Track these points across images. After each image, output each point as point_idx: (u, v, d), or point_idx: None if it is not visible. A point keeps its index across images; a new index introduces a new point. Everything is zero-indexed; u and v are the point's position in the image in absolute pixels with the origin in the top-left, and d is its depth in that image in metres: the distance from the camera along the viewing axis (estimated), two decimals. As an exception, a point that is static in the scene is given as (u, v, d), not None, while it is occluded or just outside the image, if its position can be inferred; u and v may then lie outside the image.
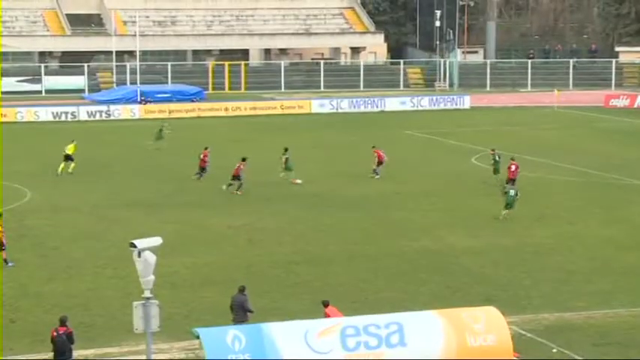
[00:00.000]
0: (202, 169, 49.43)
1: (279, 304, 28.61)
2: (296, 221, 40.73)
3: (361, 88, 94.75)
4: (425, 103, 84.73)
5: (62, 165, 51.14)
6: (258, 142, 62.78)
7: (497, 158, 48.84)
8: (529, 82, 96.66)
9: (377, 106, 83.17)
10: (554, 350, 25.91)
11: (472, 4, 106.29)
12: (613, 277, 32.74)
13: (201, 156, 49.70)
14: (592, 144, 62.67)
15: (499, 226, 40.16)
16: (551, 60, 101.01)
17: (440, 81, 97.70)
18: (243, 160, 46.41)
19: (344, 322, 23.32)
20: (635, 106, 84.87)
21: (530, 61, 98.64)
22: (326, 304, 25.57)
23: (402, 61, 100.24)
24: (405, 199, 45.63)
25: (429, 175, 51.51)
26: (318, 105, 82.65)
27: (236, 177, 46.06)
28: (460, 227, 39.93)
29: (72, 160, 51.09)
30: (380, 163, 50.54)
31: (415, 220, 41.30)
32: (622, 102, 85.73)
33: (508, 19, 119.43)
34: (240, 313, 25.71)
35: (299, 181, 48.64)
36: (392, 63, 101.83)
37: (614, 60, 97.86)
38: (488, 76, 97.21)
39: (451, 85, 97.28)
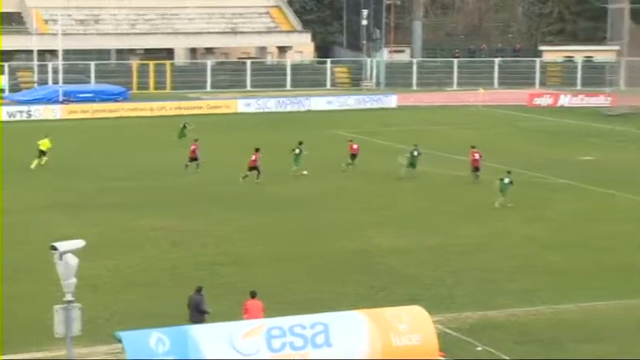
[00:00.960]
0: (193, 159, 51.45)
1: (204, 306, 28.52)
2: (220, 222, 40.65)
3: (288, 88, 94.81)
4: (351, 102, 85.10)
5: (36, 160, 52.24)
6: (183, 143, 62.43)
7: (415, 153, 50.09)
8: (455, 81, 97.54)
9: (304, 106, 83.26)
10: (479, 349, 26.24)
11: (398, 3, 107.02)
12: (535, 276, 33.25)
13: (192, 147, 51.70)
14: (516, 143, 63.46)
15: (425, 225, 40.57)
16: (477, 59, 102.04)
17: (367, 80, 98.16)
18: (257, 150, 48.82)
19: (269, 323, 23.36)
20: (559, 105, 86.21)
21: (455, 60, 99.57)
22: (252, 295, 25.83)
23: (328, 60, 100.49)
24: (332, 199, 45.84)
25: (356, 175, 51.73)
26: (245, 104, 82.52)
27: (253, 168, 48.49)
28: (386, 227, 40.25)
29: (44, 154, 52.52)
30: (353, 156, 52.25)
31: (342, 220, 41.48)
32: (545, 101, 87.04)
33: (434, 19, 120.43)
34: (195, 313, 25.96)
35: (305, 172, 50.52)
36: (319, 62, 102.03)
37: (538, 59, 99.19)
38: (414, 75, 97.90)
39: (378, 84, 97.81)
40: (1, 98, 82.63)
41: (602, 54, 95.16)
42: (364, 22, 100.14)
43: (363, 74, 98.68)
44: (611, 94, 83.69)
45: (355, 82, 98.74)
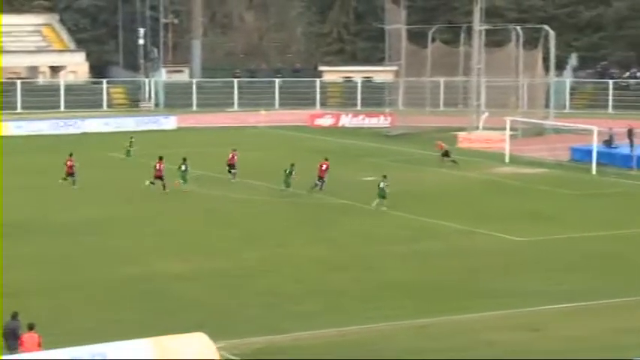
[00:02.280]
0: (70, 174, 53.59)
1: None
2: (-7, 251, 39.41)
3: (62, 109, 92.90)
4: (129, 123, 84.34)
5: None
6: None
7: (287, 172, 52.79)
8: (235, 101, 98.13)
9: (79, 128, 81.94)
10: (264, 374, 26.48)
11: (176, 22, 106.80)
12: (320, 298, 33.84)
13: (68, 163, 53.70)
14: (297, 163, 64.25)
15: (207, 249, 40.69)
16: (257, 79, 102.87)
17: (145, 101, 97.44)
18: (161, 158, 52.61)
19: (45, 355, 22.88)
20: (340, 125, 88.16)
21: (236, 80, 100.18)
22: (30, 328, 25.28)
23: (104, 80, 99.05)
24: (113, 224, 45.46)
25: (136, 200, 51.42)
26: (15, 127, 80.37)
27: (159, 177, 51.99)
28: (168, 252, 40.14)
29: None
30: (231, 166, 55.89)
31: (122, 246, 41.12)
32: (327, 121, 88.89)
33: (213, 38, 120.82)
34: (12, 340, 25.40)
35: (186, 190, 52.69)
36: (94, 82, 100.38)
37: (318, 79, 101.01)
38: (194, 96, 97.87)
39: (157, 104, 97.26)
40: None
41: (381, 74, 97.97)
42: (141, 42, 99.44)
43: (141, 95, 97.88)
44: (391, 114, 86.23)
45: (133, 102, 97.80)
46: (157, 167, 52.67)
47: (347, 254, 40.33)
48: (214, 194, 52.68)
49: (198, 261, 38.70)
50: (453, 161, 63.70)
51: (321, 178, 53.12)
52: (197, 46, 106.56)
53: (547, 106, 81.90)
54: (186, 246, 41.33)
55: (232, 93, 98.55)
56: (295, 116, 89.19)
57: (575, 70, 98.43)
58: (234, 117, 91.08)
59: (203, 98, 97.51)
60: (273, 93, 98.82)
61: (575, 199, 53.59)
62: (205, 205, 50.40)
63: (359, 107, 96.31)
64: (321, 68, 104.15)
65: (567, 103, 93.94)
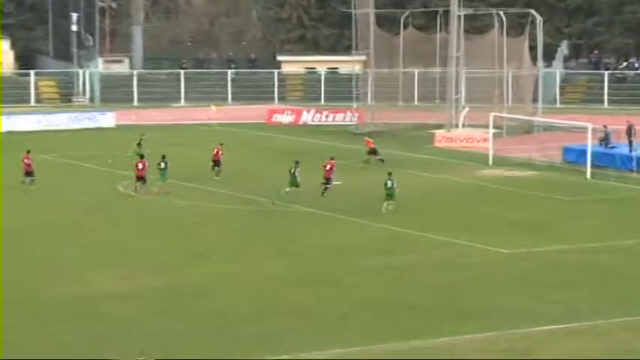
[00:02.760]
0: (28, 173, 55.28)
1: None
2: None
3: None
4: (61, 121, 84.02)
5: None
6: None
7: (292, 171, 52.55)
8: (182, 95, 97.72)
9: (3, 127, 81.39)
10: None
11: (114, 5, 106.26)
12: (279, 318, 33.62)
13: (26, 161, 55.33)
14: (255, 166, 64.18)
15: (150, 265, 40.46)
16: (207, 70, 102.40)
17: (79, 95, 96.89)
18: (142, 157, 54.75)
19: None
20: (301, 122, 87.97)
21: (183, 71, 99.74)
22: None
23: (32, 71, 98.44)
24: (40, 234, 45.25)
25: (68, 207, 51.26)
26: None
27: (141, 178, 53.34)
28: (106, 267, 39.96)
29: None
30: (216, 162, 58.31)
31: (52, 259, 40.86)
32: (287, 118, 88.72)
33: (157, 23, 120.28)
34: None
35: (167, 191, 53.34)
36: (20, 74, 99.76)
37: (276, 71, 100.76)
38: (135, 90, 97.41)
39: (92, 99, 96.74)
40: None
41: (348, 65, 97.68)
42: (74, 28, 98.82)
43: (74, 88, 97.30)
44: (358, 110, 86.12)
45: (65, 97, 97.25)
46: (140, 167, 53.18)
47: (310, 269, 40.16)
48: (161, 201, 52.38)
49: (138, 277, 38.43)
50: (366, 162, 64.41)
51: (326, 178, 53.65)
52: (138, 33, 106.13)
53: (535, 100, 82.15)
54: (121, 260, 41.02)
55: (179, 86, 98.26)
56: (251, 112, 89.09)
57: (566, 59, 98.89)
58: (180, 113, 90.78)
59: (145, 92, 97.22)
60: (226, 86, 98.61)
61: (568, 205, 53.73)
62: (151, 212, 50.35)
63: (322, 102, 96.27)
64: (280, 58, 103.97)
65: (558, 97, 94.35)
